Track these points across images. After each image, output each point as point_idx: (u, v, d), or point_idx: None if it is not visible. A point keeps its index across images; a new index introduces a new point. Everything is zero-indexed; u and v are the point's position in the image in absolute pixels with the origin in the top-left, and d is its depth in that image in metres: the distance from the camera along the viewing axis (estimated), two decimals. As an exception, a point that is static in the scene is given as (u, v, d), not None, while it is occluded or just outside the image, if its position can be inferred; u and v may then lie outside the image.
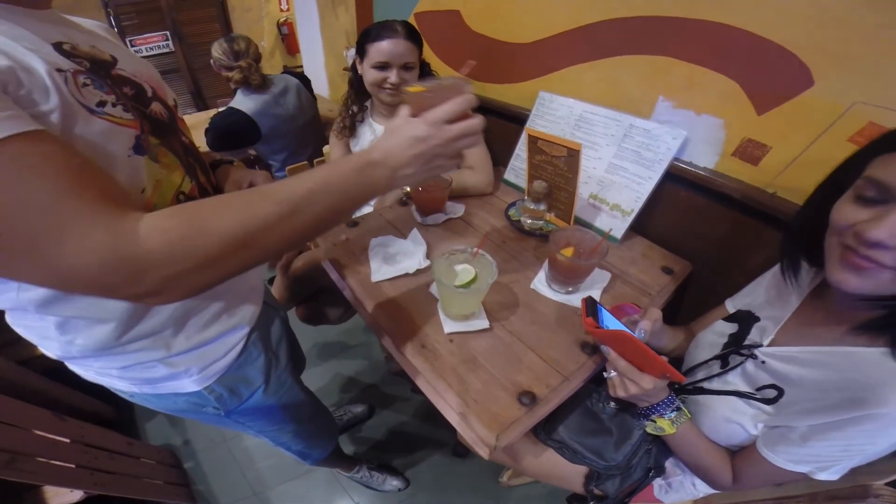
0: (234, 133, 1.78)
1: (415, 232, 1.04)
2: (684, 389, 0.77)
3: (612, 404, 0.87)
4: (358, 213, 1.16)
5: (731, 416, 0.67)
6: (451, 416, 0.72)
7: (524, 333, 0.82)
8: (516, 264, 0.98)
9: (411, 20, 1.59)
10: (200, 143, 1.91)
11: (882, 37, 0.68)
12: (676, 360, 0.85)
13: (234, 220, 0.45)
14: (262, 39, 3.93)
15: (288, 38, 3.61)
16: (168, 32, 3.70)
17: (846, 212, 0.52)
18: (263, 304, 0.80)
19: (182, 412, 0.76)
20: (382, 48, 1.12)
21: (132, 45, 3.68)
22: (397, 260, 0.96)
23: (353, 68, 1.24)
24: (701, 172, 0.96)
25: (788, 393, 0.61)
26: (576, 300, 0.88)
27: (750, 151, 0.89)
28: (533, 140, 1.03)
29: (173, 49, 3.74)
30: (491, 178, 1.25)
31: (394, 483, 1.45)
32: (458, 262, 0.81)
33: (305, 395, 0.97)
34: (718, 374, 0.72)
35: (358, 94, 1.28)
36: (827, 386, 0.57)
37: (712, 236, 1.00)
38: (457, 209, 1.15)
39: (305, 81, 2.02)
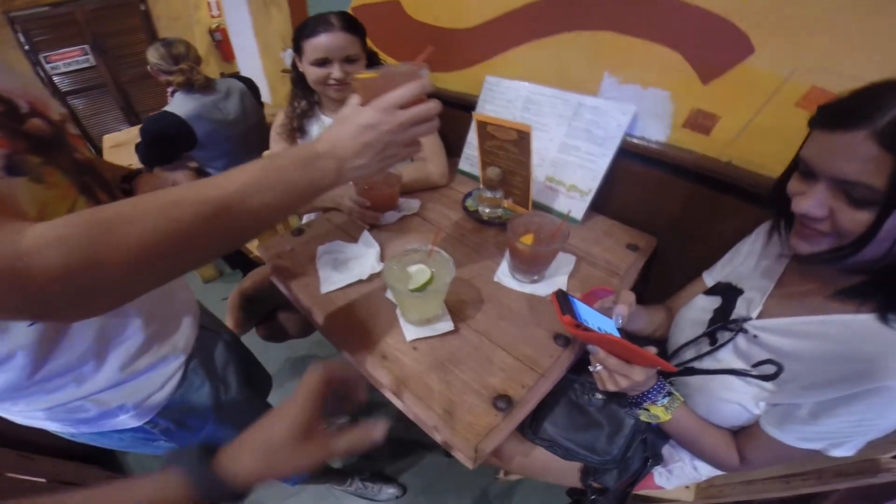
0: (166, 138, 1.65)
1: (366, 234, 0.97)
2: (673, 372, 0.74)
3: (599, 395, 0.83)
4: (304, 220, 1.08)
5: (727, 396, 0.64)
6: (426, 428, 0.67)
7: (492, 331, 0.77)
8: (477, 257, 0.93)
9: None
10: (132, 160, 1.77)
11: (815, 1, 0.67)
12: (660, 343, 0.82)
13: (148, 225, 0.39)
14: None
15: (222, 44, 3.39)
16: (87, 46, 3.42)
17: (791, 185, 0.55)
18: (201, 329, 0.73)
19: (134, 448, 0.71)
20: (319, 43, 1.03)
21: (47, 62, 3.37)
22: (349, 266, 0.89)
23: (294, 66, 1.16)
24: (654, 146, 0.94)
25: (787, 368, 0.58)
26: (542, 289, 0.83)
27: (700, 122, 0.87)
28: (482, 125, 0.98)
29: (95, 63, 3.45)
30: (445, 168, 1.19)
31: (390, 491, 1.40)
32: (412, 263, 0.74)
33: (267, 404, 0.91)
34: (708, 353, 0.68)
35: (304, 92, 1.20)
36: (827, 358, 0.54)
37: (672, 209, 0.98)
38: (411, 205, 1.08)
39: (252, 87, 1.91)
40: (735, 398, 0.63)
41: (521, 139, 0.91)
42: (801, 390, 0.56)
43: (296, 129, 1.22)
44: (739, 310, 0.68)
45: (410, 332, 0.76)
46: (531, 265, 0.82)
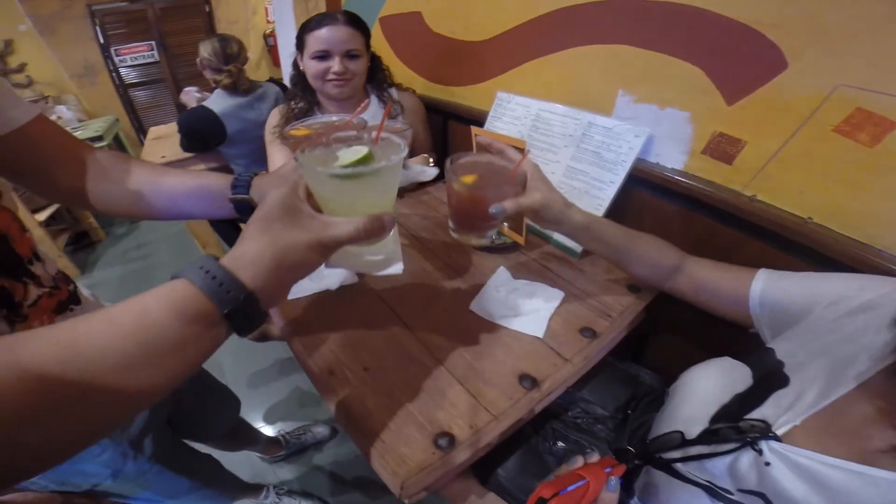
0: (198, 131, 1.73)
1: None
2: (653, 461, 0.58)
3: (560, 444, 0.74)
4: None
5: None
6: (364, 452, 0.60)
7: (453, 362, 0.69)
8: (459, 282, 0.86)
9: (376, 25, 1.52)
10: (169, 151, 1.88)
11: (862, 5, 0.56)
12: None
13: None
14: (248, 51, 3.89)
15: (274, 49, 3.57)
16: (153, 42, 3.68)
17: None
18: None
19: None
20: (321, 36, 1.04)
21: (117, 55, 3.65)
22: (321, 275, 0.84)
23: (295, 65, 1.15)
24: (668, 175, 0.84)
25: None
26: (518, 324, 0.74)
27: (722, 148, 0.77)
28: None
29: (158, 59, 3.71)
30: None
31: None
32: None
33: (183, 474, 0.86)
34: (697, 458, 0.51)
35: (303, 92, 1.19)
36: None
37: (685, 248, 0.86)
38: (426, 172, 1.04)
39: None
40: None
41: (517, 156, 0.84)
42: None
43: None
44: (766, 410, 0.48)
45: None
46: (469, 217, 0.68)
